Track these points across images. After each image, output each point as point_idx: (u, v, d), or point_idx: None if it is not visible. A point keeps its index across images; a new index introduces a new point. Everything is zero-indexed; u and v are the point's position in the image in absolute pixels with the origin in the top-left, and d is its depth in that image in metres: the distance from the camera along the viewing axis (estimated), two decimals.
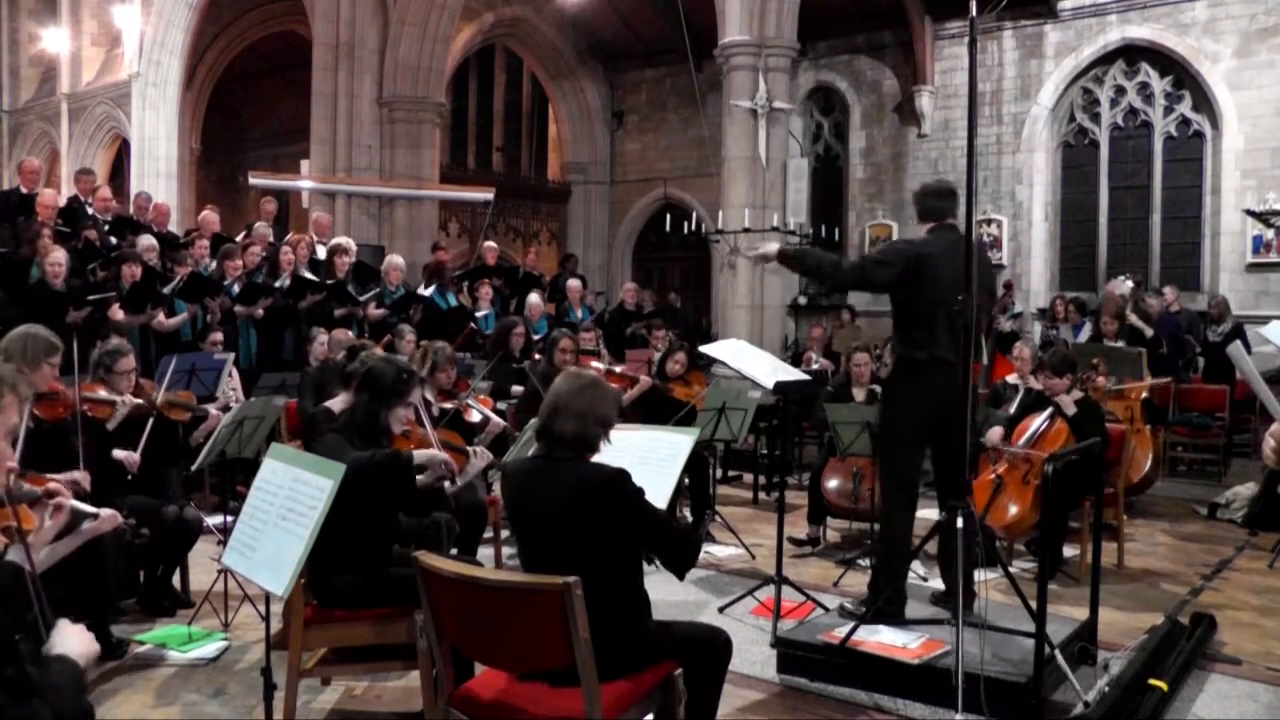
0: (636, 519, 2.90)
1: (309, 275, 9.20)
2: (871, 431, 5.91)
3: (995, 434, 6.00)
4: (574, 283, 10.95)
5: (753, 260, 5.53)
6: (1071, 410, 5.93)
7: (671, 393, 7.21)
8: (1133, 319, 9.37)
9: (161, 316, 8.05)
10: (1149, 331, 9.45)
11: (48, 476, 3.46)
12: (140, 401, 4.82)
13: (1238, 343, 2.95)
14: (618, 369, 7.57)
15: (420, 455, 3.81)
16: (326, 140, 13.82)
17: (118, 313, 7.52)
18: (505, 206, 17.36)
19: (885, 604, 4.35)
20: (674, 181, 17.48)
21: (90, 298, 7.41)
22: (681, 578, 3.12)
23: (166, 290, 8.03)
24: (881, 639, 4.10)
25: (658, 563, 3.17)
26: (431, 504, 4.46)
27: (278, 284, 8.80)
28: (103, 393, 4.75)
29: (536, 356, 8.32)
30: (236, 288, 8.54)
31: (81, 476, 4.05)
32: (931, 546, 4.78)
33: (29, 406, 3.60)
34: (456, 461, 4.83)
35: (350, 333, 7.92)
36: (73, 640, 2.26)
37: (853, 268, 4.75)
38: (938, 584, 4.88)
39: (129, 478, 4.73)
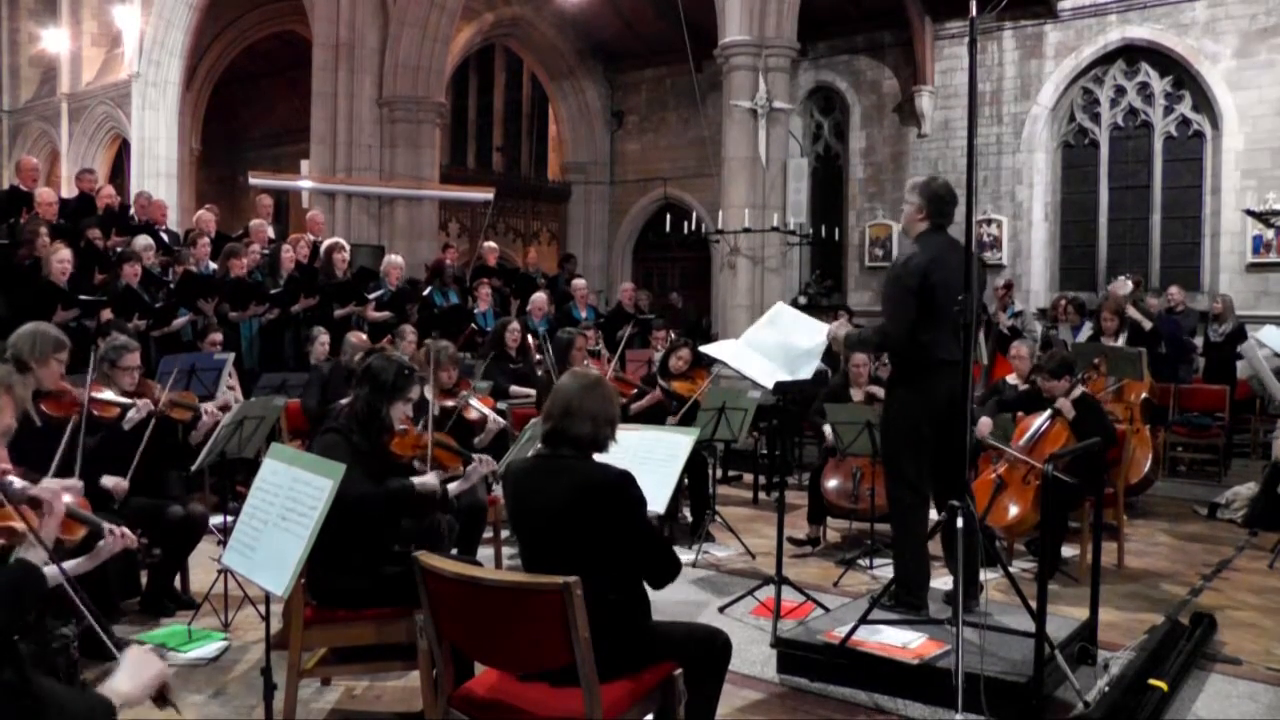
0: (633, 527, 2.90)
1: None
2: (872, 432, 5.91)
3: (984, 425, 5.89)
4: (579, 282, 11.01)
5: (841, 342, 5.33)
6: (1072, 414, 5.91)
7: (675, 390, 7.20)
8: (1131, 312, 9.34)
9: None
10: (1148, 325, 9.42)
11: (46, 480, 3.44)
12: (153, 406, 4.81)
13: (1251, 341, 2.94)
14: (625, 374, 7.55)
15: (420, 484, 3.93)
16: (326, 140, 13.82)
17: (107, 314, 7.49)
18: (505, 206, 17.37)
19: (908, 593, 4.43)
20: (674, 181, 17.47)
21: (81, 297, 7.37)
22: (657, 589, 3.04)
23: (157, 305, 7.97)
24: (882, 639, 4.09)
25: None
26: (430, 507, 4.47)
27: (275, 289, 8.77)
28: (110, 394, 4.73)
29: (537, 357, 8.30)
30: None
31: (76, 485, 4.01)
32: (933, 547, 4.77)
33: (39, 404, 3.60)
34: (450, 464, 4.85)
35: (364, 336, 7.84)
36: (124, 680, 2.02)
37: (893, 318, 4.47)
38: (938, 584, 4.88)
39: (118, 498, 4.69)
